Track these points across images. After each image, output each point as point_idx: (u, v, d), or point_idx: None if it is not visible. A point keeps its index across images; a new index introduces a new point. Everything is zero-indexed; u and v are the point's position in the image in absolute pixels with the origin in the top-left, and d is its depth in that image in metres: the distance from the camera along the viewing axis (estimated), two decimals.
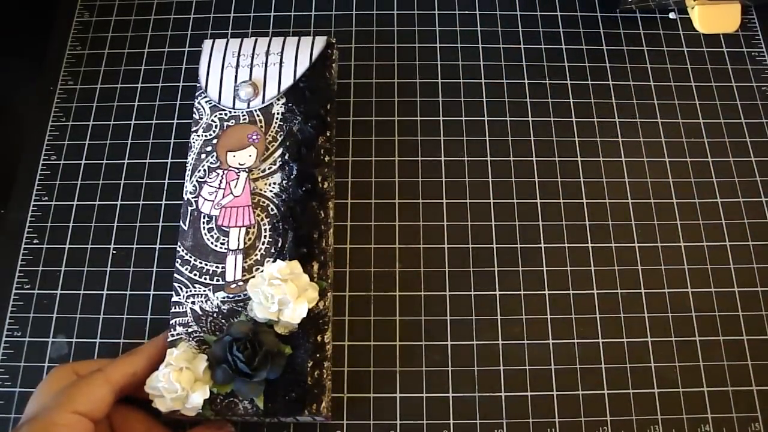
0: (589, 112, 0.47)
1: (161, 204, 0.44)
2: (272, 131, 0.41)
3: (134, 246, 0.43)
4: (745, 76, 0.48)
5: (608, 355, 0.40)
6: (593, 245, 0.43)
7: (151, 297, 0.42)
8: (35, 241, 0.43)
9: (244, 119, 0.41)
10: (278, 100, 0.42)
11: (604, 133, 0.46)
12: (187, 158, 0.40)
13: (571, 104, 0.47)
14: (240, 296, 0.37)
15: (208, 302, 0.37)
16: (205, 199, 0.39)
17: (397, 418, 0.39)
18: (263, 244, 0.38)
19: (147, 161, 0.45)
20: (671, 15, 0.50)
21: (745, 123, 0.47)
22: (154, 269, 0.42)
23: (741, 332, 0.41)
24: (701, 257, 0.43)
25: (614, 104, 0.47)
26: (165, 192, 0.44)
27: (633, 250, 0.43)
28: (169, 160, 0.45)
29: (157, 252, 0.43)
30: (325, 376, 0.36)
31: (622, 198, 0.44)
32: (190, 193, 0.40)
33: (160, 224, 0.43)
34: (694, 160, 0.45)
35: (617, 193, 0.44)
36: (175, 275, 0.38)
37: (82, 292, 0.42)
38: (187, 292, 0.38)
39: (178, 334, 0.36)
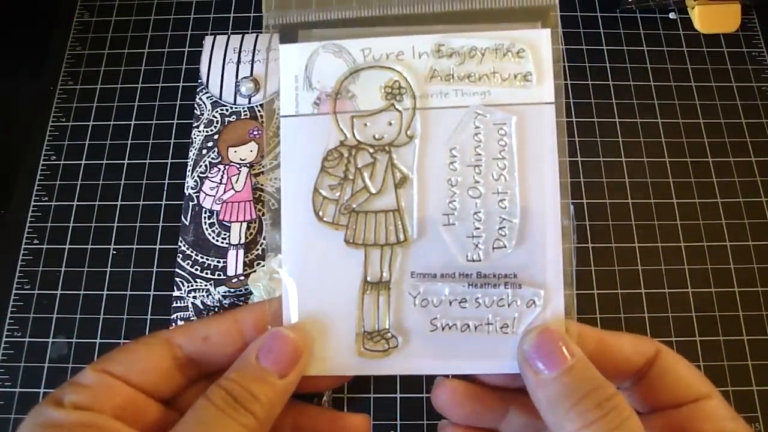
0: (589, 112, 0.47)
1: (161, 204, 0.44)
2: (273, 126, 0.41)
3: (134, 246, 0.43)
4: (745, 76, 0.48)
5: None
6: (593, 245, 0.43)
7: (151, 297, 0.41)
8: (35, 241, 0.43)
9: (246, 115, 0.41)
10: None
11: (604, 133, 0.46)
12: (187, 157, 0.40)
13: (572, 104, 0.47)
14: (241, 291, 0.37)
15: (210, 297, 0.37)
16: (207, 195, 0.39)
17: (397, 418, 0.39)
18: (264, 239, 0.38)
19: (147, 161, 0.45)
20: (671, 15, 0.50)
21: (745, 123, 0.47)
22: (154, 269, 0.42)
23: (741, 332, 0.41)
24: (701, 257, 0.43)
25: (614, 104, 0.47)
26: (165, 192, 0.44)
27: (633, 250, 0.43)
28: (169, 160, 0.45)
29: (157, 252, 0.43)
30: None
31: (622, 198, 0.44)
32: (192, 188, 0.40)
33: (160, 224, 0.43)
34: (694, 160, 0.45)
35: (617, 193, 0.44)
36: (177, 270, 0.38)
37: (82, 292, 0.42)
38: (188, 286, 0.38)
39: None
